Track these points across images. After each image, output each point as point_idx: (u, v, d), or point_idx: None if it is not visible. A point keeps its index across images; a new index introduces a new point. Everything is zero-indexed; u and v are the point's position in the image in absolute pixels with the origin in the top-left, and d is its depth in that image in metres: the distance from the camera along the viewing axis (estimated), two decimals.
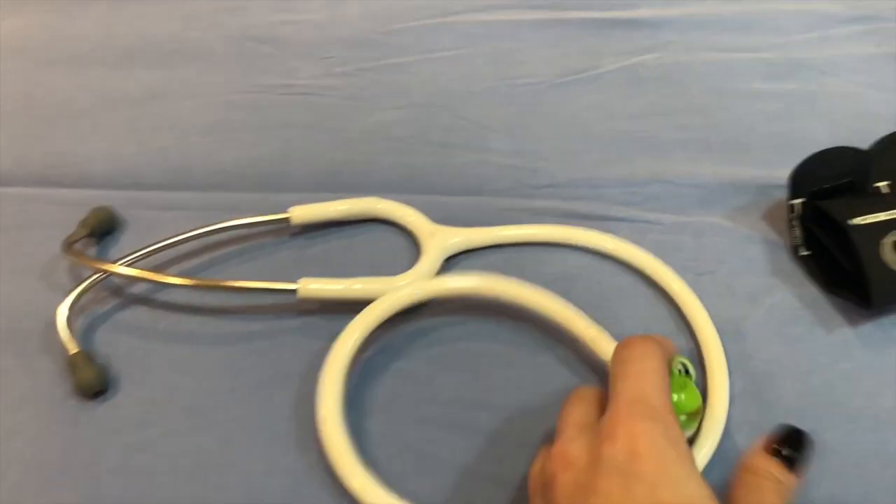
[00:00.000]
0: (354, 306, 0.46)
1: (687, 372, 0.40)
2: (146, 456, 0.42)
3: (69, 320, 0.47)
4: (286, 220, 0.51)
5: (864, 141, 0.52)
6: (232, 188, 0.55)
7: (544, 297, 0.45)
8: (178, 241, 0.50)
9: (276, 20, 0.67)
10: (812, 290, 0.48)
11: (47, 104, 0.61)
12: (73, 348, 0.45)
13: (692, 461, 0.33)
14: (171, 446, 0.42)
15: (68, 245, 0.49)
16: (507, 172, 0.55)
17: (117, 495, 0.41)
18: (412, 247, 0.51)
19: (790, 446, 0.36)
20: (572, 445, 0.33)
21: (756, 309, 0.47)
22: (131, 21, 0.68)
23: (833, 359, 0.45)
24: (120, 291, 0.50)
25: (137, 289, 0.50)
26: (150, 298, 0.49)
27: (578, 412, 0.36)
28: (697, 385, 0.41)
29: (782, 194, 0.51)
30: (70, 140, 0.58)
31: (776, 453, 0.36)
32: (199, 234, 0.50)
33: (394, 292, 0.46)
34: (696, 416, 0.40)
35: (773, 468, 0.35)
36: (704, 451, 0.41)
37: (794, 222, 0.49)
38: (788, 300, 0.48)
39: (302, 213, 0.51)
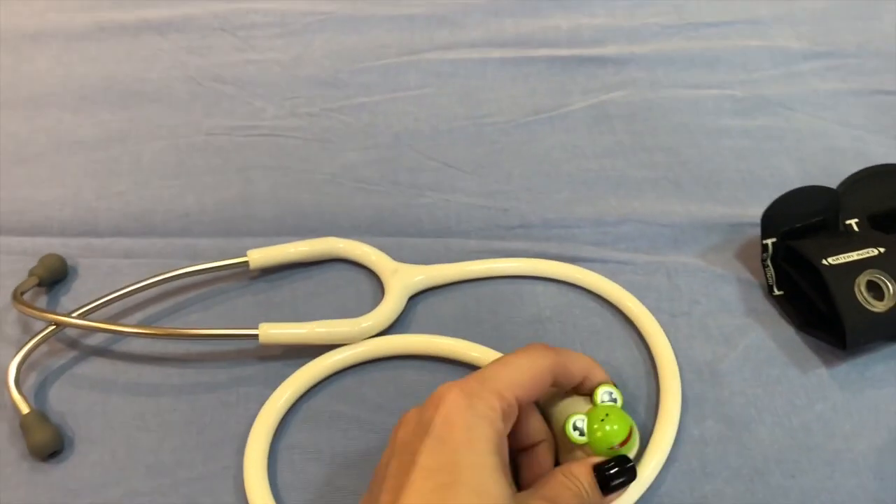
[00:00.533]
0: (317, 350, 0.46)
1: (613, 400, 0.39)
2: None
3: (19, 377, 0.45)
4: (245, 263, 0.50)
5: (832, 176, 0.53)
6: (195, 233, 0.53)
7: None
8: (135, 289, 0.49)
9: (238, 59, 0.66)
10: (786, 330, 0.47)
11: (2, 148, 0.59)
12: (24, 408, 0.43)
13: (499, 445, 0.34)
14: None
15: (17, 295, 0.47)
16: (477, 213, 0.54)
17: None
18: (376, 286, 0.50)
19: (614, 471, 0.37)
20: (412, 409, 0.36)
21: (731, 350, 0.47)
22: (90, 62, 0.66)
23: (809, 400, 0.44)
24: (75, 344, 0.48)
25: (93, 340, 0.48)
26: (108, 350, 0.48)
27: None
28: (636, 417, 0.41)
29: (754, 232, 0.51)
30: (25, 185, 0.57)
31: (598, 471, 0.37)
32: (156, 281, 0.49)
33: (311, 365, 0.46)
34: (628, 441, 0.39)
35: (586, 481, 0.37)
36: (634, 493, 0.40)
37: (767, 262, 0.49)
38: (763, 340, 0.47)
39: (261, 256, 0.50)
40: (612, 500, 0.38)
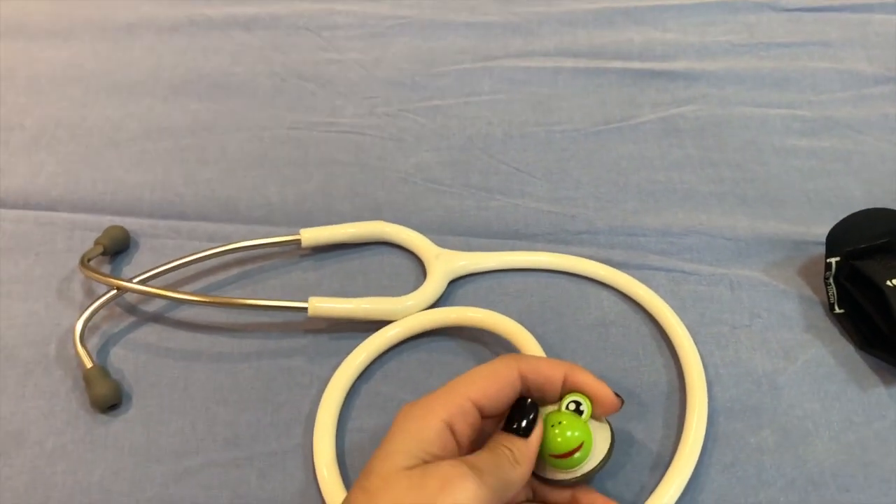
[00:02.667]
0: (362, 326, 0.49)
1: (579, 411, 0.39)
2: (161, 470, 0.44)
3: (84, 335, 0.49)
4: (297, 241, 0.53)
5: None
6: (275, 222, 0.56)
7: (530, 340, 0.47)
8: (191, 260, 0.52)
9: (320, 59, 0.68)
10: (846, 348, 0.48)
11: (96, 131, 0.63)
12: (88, 363, 0.47)
13: (423, 432, 0.36)
14: (178, 465, 0.44)
15: (84, 261, 0.51)
16: (545, 217, 0.56)
17: None
18: (419, 269, 0.53)
19: (519, 418, 0.38)
20: None
21: (790, 364, 0.48)
22: (180, 53, 0.69)
23: (867, 418, 0.45)
24: (133, 310, 0.52)
25: (151, 307, 0.51)
26: (164, 316, 0.51)
27: None
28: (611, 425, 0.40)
29: (817, 251, 0.52)
30: (117, 168, 0.60)
31: (510, 428, 0.38)
32: (212, 254, 0.52)
33: (383, 331, 0.48)
34: (580, 452, 0.38)
35: (501, 438, 0.38)
36: (673, 491, 0.42)
37: (830, 280, 0.50)
38: (823, 357, 0.48)
39: (312, 234, 0.53)
40: (536, 442, 0.38)
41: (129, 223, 0.56)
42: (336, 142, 0.61)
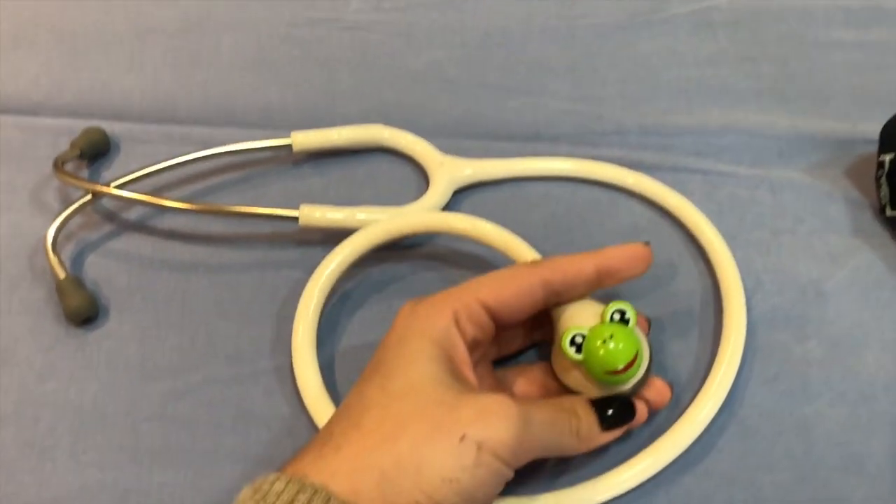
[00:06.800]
0: None
1: (625, 320, 0.36)
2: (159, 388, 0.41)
3: (57, 244, 0.45)
4: (288, 146, 0.49)
5: None
6: (275, 125, 0.51)
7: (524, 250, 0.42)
8: (174, 164, 0.48)
9: None
10: None
11: (81, 32, 0.58)
12: (61, 273, 0.44)
13: (442, 338, 0.33)
14: (177, 382, 0.42)
15: (58, 164, 0.47)
16: (569, 118, 0.51)
17: (156, 442, 0.39)
18: (422, 178, 0.49)
19: (615, 412, 0.35)
20: None
21: (838, 271, 0.44)
22: None
23: None
24: (112, 217, 0.48)
25: (131, 214, 0.48)
26: (144, 225, 0.48)
27: None
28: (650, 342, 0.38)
29: (866, 149, 0.48)
30: (105, 71, 0.55)
31: (599, 409, 0.35)
32: (196, 158, 0.48)
33: (374, 225, 0.44)
34: (630, 367, 0.35)
35: (580, 407, 0.35)
36: (710, 406, 0.39)
37: (882, 179, 0.46)
38: (873, 262, 0.44)
39: (304, 138, 0.49)
40: (608, 439, 0.36)
41: (117, 128, 0.51)
42: (339, 39, 0.56)
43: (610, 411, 0.35)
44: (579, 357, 0.35)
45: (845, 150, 0.49)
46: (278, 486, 0.29)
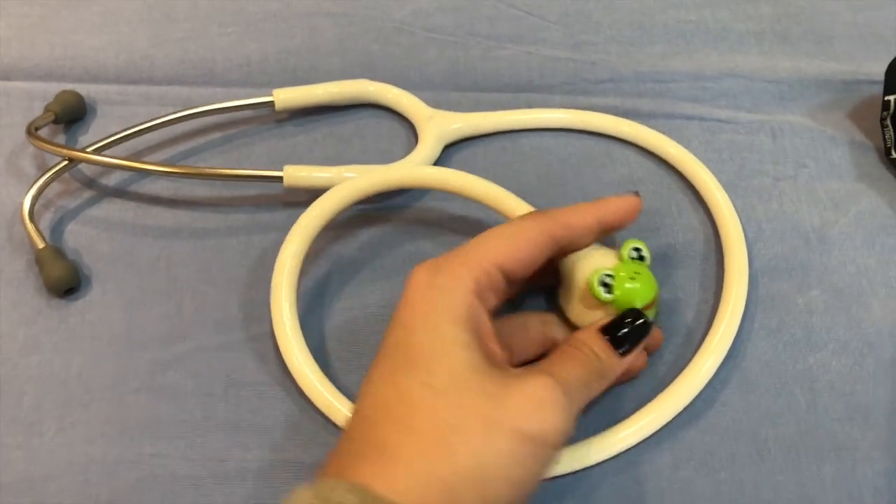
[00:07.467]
0: None
1: (641, 258, 0.36)
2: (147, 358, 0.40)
3: (34, 213, 0.44)
4: (271, 103, 0.47)
5: None
6: (257, 83, 0.50)
7: (520, 206, 0.40)
8: (152, 126, 0.46)
9: None
10: None
11: None
12: (40, 243, 0.42)
13: (467, 315, 0.31)
14: (165, 352, 0.40)
15: (31, 130, 0.45)
16: (562, 66, 0.50)
17: (145, 413, 0.38)
18: (411, 134, 0.47)
19: (624, 328, 0.34)
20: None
21: (842, 216, 0.43)
22: None
23: None
24: (91, 183, 0.46)
25: (110, 180, 0.46)
26: (124, 190, 0.46)
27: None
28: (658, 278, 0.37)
29: (870, 91, 0.46)
30: (77, 31, 0.53)
31: (607, 332, 0.34)
32: (175, 118, 0.46)
33: (353, 180, 0.42)
34: (652, 305, 0.36)
35: (596, 345, 0.33)
36: (713, 360, 0.38)
37: (888, 121, 0.44)
38: (878, 207, 0.43)
39: (287, 95, 0.47)
40: (628, 363, 0.34)
41: (93, 90, 0.50)
42: None
43: (624, 330, 0.34)
44: (609, 297, 0.35)
45: (849, 91, 0.48)
46: (346, 496, 0.27)
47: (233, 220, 0.45)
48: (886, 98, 0.44)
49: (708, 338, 0.39)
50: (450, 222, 0.44)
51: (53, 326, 0.41)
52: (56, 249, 0.42)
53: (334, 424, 0.37)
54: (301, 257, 0.40)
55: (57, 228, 0.44)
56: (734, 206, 0.43)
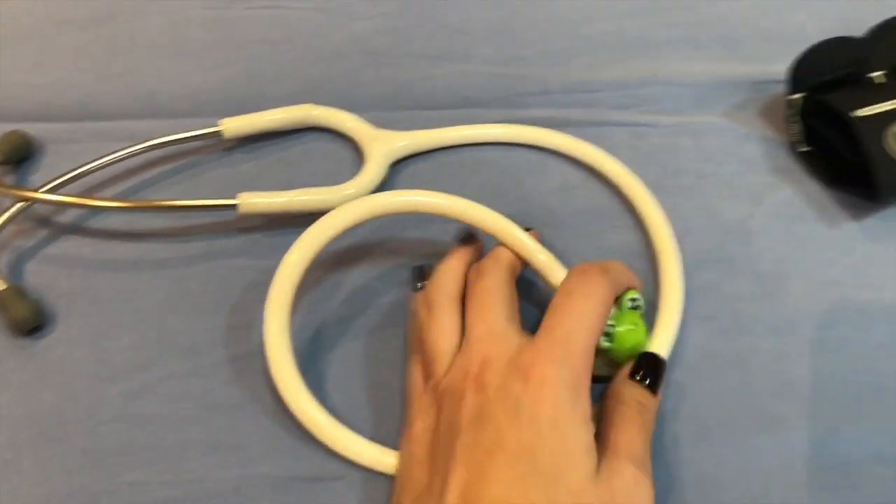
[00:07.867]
0: (298, 221, 0.44)
1: (636, 307, 0.39)
2: (118, 389, 0.41)
3: None
4: (218, 133, 0.48)
5: (853, 30, 0.51)
6: (205, 113, 0.51)
7: (495, 220, 0.42)
8: (103, 164, 0.47)
9: None
10: (813, 187, 0.47)
11: None
12: (1, 285, 0.43)
13: (586, 411, 0.33)
14: (135, 381, 0.41)
15: None
16: (495, 81, 0.52)
17: (121, 442, 0.39)
18: (356, 154, 0.49)
19: (648, 370, 0.37)
20: (489, 371, 0.34)
21: (760, 208, 0.47)
22: None
23: (839, 254, 0.45)
24: (46, 222, 0.47)
25: (65, 218, 0.47)
26: (81, 227, 0.47)
27: (448, 284, 0.39)
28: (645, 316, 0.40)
29: (777, 90, 0.50)
30: (17, 70, 0.53)
31: (636, 378, 0.37)
32: (125, 155, 0.47)
33: (340, 209, 0.41)
34: (636, 349, 0.39)
35: (636, 394, 0.36)
36: (662, 352, 0.41)
37: (793, 118, 0.48)
38: (791, 197, 0.47)
39: (234, 125, 0.49)
40: (659, 398, 0.38)
41: (39, 129, 0.50)
42: (258, 19, 0.56)
43: (651, 371, 0.37)
44: (608, 344, 0.38)
45: (759, 91, 0.52)
46: None
47: (191, 248, 0.46)
48: (791, 96, 0.48)
49: (655, 330, 0.41)
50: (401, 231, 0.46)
51: (21, 366, 0.42)
52: (18, 289, 0.43)
53: (312, 436, 0.39)
54: (294, 289, 0.40)
55: (16, 268, 0.45)
56: (661, 205, 0.46)
